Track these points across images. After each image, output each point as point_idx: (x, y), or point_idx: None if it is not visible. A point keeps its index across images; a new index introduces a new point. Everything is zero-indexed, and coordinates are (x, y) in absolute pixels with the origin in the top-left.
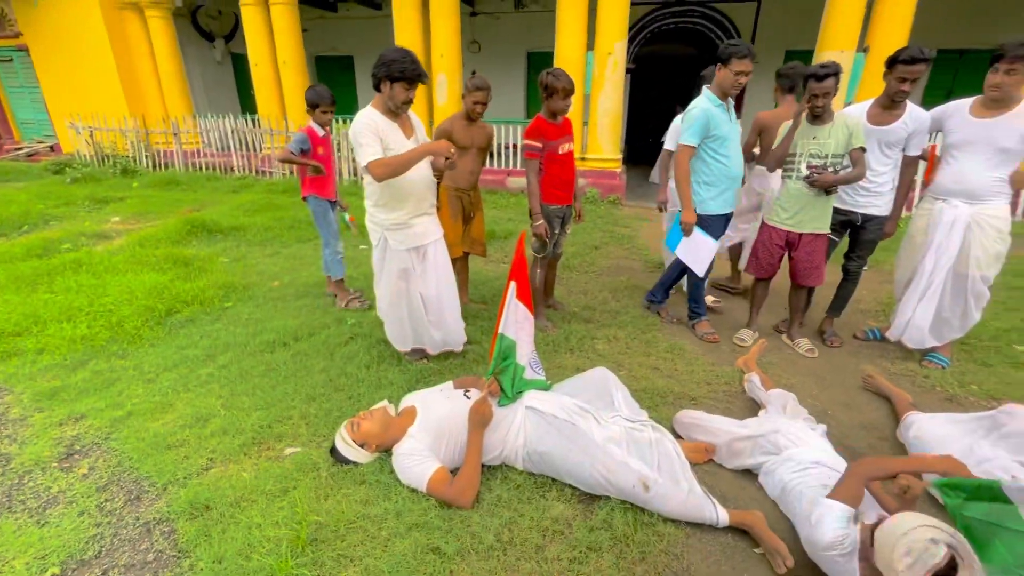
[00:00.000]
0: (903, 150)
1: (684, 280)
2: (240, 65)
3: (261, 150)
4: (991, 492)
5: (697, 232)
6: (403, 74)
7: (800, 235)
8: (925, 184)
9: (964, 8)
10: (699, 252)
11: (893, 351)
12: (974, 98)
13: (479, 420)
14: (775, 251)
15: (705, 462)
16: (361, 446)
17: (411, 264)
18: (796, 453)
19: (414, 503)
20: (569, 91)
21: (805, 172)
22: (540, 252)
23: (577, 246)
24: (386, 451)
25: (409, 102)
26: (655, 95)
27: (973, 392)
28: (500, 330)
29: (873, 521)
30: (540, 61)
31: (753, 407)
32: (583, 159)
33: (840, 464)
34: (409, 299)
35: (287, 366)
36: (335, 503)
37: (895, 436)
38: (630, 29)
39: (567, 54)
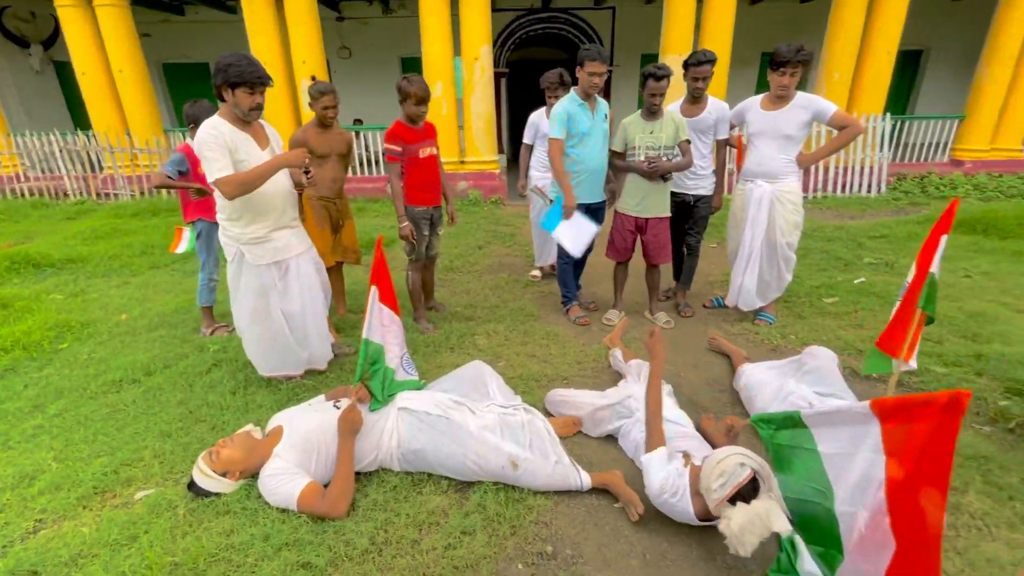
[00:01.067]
0: (714, 136)
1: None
2: (67, 74)
3: (102, 170)
4: (793, 420)
5: (578, 215)
6: (241, 78)
7: (647, 220)
8: (737, 169)
9: (774, 18)
10: (579, 235)
11: (733, 315)
12: (763, 95)
13: (348, 428)
14: (627, 236)
15: (574, 434)
16: (223, 475)
17: (271, 280)
18: (643, 414)
19: (283, 523)
20: (422, 97)
21: (644, 161)
22: (411, 255)
23: (461, 247)
24: (253, 476)
25: (258, 108)
26: (529, 98)
27: (791, 341)
28: (364, 335)
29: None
30: (414, 66)
31: (618, 379)
32: (463, 162)
33: (681, 417)
34: (269, 318)
35: (136, 405)
36: (194, 539)
37: (733, 388)
38: (500, 34)
39: (434, 59)
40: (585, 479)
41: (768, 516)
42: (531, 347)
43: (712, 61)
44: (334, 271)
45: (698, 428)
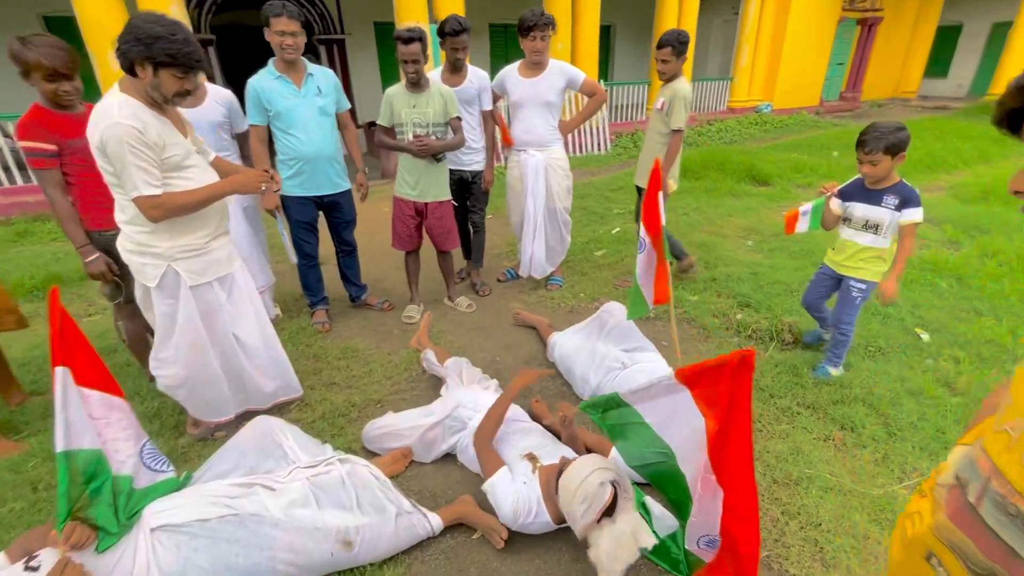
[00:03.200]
0: (480, 107)
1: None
2: None
3: None
4: (616, 401)
5: (280, 217)
6: (174, 59)
7: (426, 204)
8: (506, 145)
9: None
10: (286, 237)
11: (527, 284)
12: (519, 62)
13: None
14: (409, 222)
15: (407, 467)
16: None
17: (217, 300)
18: (477, 421)
19: None
20: (55, 69)
21: (412, 139)
22: (115, 298)
23: None
24: None
25: (185, 95)
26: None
27: (582, 299)
28: (59, 447)
29: (552, 462)
30: (63, 29)
31: (438, 384)
32: None
33: (515, 411)
34: (221, 347)
35: None
36: None
37: (548, 360)
38: None
39: (96, 18)
40: (435, 521)
41: (635, 535)
42: (328, 374)
43: (467, 30)
44: None
45: (530, 413)
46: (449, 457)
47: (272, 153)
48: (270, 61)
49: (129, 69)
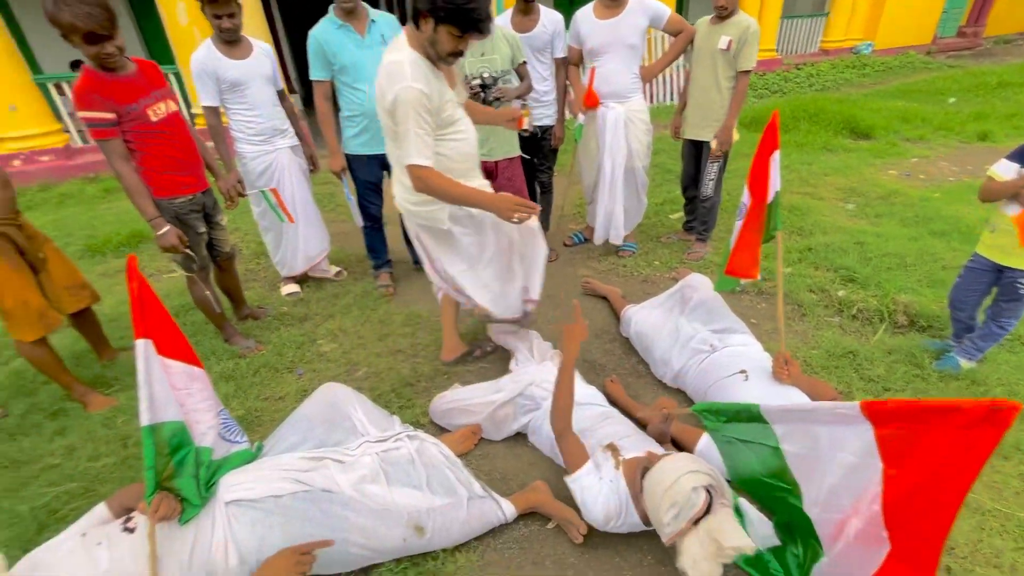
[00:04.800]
0: (552, 54)
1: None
2: None
3: None
4: (749, 414)
5: (346, 179)
6: (455, 17)
7: (496, 163)
8: (588, 108)
9: None
10: (352, 200)
11: (596, 250)
12: (592, 2)
13: None
14: None
15: (476, 445)
16: None
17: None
18: (547, 404)
19: None
20: (91, 31)
21: (478, 82)
22: (191, 269)
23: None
24: None
25: (458, 55)
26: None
27: (658, 268)
28: (145, 421)
29: (635, 454)
30: None
31: (507, 356)
32: None
33: (592, 395)
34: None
35: None
36: None
37: (622, 335)
38: None
39: None
40: (508, 509)
41: (722, 533)
42: (393, 341)
43: None
44: (79, 321)
45: (606, 396)
46: (520, 436)
47: (336, 110)
48: (331, 8)
49: (415, 18)
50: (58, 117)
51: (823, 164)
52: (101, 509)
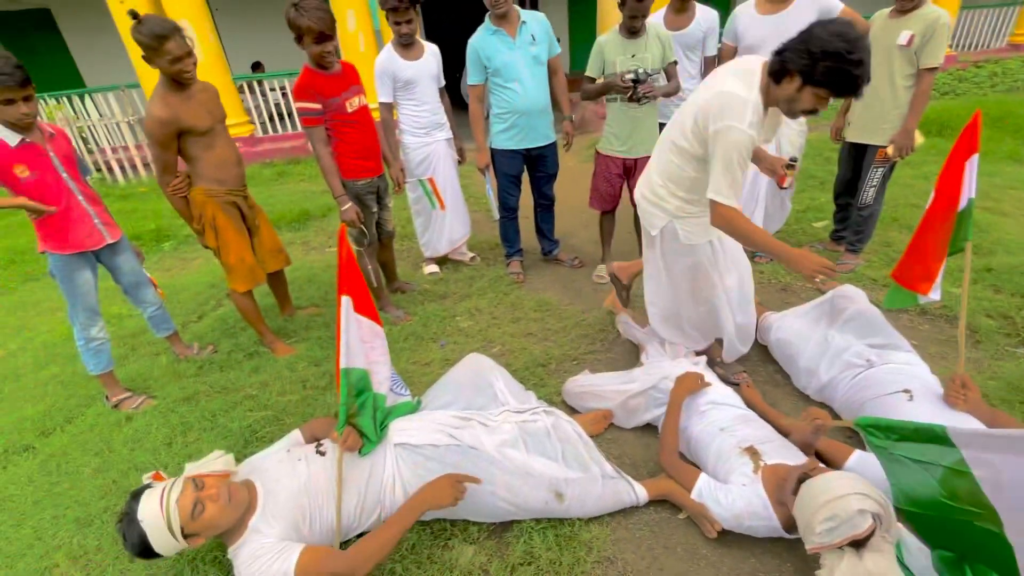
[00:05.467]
0: (703, 52)
1: None
2: None
3: None
4: (931, 435)
5: (488, 176)
6: (834, 83)
7: (636, 160)
8: None
9: None
10: (492, 193)
11: None
12: None
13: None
14: (615, 181)
15: (606, 429)
16: (190, 537)
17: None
18: (688, 400)
19: None
20: (322, 31)
21: (632, 76)
22: (361, 243)
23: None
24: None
25: (812, 113)
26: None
27: (797, 277)
28: (343, 364)
29: (790, 463)
30: None
31: (635, 348)
32: None
33: (731, 396)
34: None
35: (35, 484)
36: None
37: (759, 342)
38: None
39: None
40: (641, 493)
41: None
42: (525, 324)
43: None
44: (273, 279)
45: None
46: (650, 427)
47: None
48: (487, 16)
49: (778, 74)
50: (246, 111)
51: (1009, 176)
52: (296, 434)
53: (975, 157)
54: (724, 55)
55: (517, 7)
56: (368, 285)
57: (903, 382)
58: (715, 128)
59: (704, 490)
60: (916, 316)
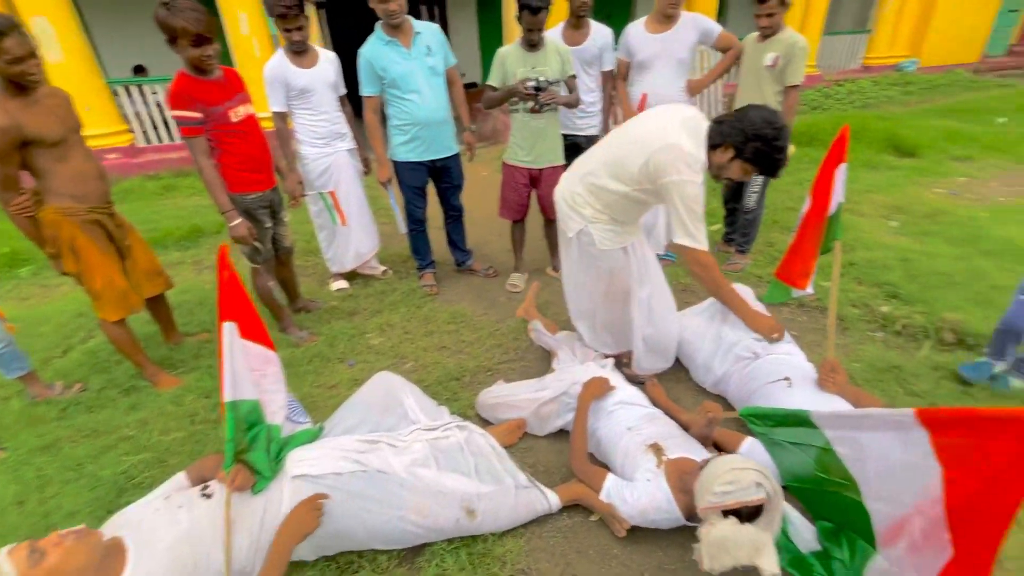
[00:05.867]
0: (600, 67)
1: None
2: None
3: None
4: (798, 419)
5: (391, 189)
6: (762, 164)
7: (541, 170)
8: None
9: None
10: (397, 210)
11: None
12: (645, 17)
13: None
14: (522, 190)
15: (520, 439)
16: None
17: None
18: (596, 403)
19: None
20: (199, 33)
21: (529, 103)
22: (256, 259)
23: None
24: None
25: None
26: (357, 32)
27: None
28: (227, 397)
29: (680, 455)
30: None
31: (548, 355)
32: None
33: (637, 395)
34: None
35: None
36: None
37: None
38: None
39: None
40: (553, 499)
41: (759, 550)
42: (438, 337)
43: None
44: (153, 305)
45: (649, 398)
46: (563, 433)
47: (383, 119)
48: (377, 26)
49: (714, 144)
50: (124, 118)
51: (865, 181)
52: (181, 477)
53: (843, 166)
54: (620, 69)
55: (410, 18)
56: (269, 306)
57: (784, 371)
58: (671, 180)
59: (612, 490)
60: (795, 309)
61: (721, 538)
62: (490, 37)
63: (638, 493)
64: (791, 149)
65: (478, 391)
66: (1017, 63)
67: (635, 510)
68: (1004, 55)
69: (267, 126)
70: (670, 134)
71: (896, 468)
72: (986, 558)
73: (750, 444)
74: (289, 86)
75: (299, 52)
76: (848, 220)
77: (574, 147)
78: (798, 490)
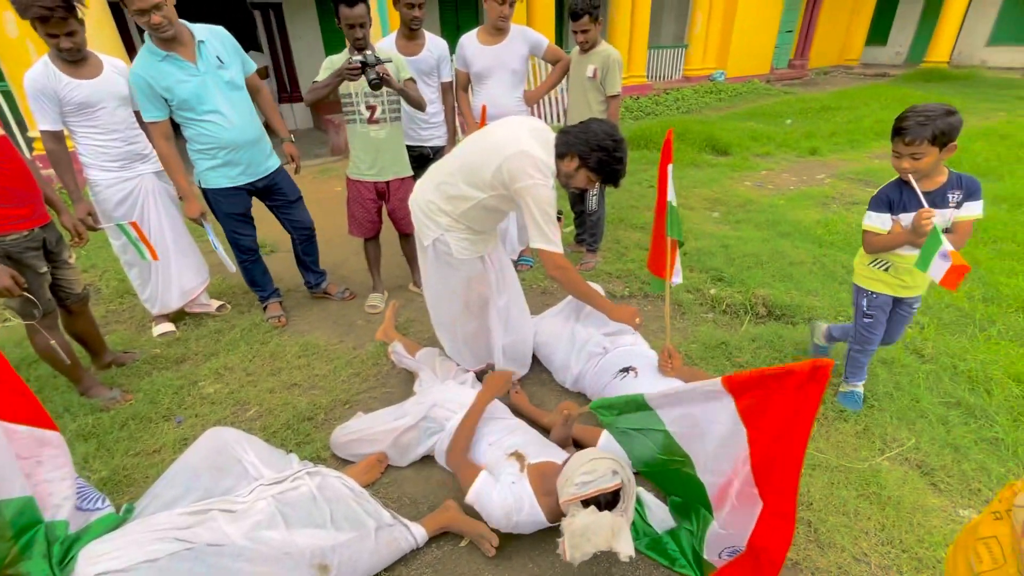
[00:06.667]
0: (439, 78)
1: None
2: None
3: None
4: (636, 403)
5: (208, 226)
6: (601, 171)
7: (387, 183)
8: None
9: None
10: (219, 248)
11: None
12: (477, 29)
13: None
14: (370, 206)
15: (383, 474)
16: None
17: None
18: (455, 422)
19: None
20: None
21: (366, 113)
22: (30, 315)
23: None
24: None
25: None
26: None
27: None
28: None
29: (541, 459)
30: None
31: (411, 377)
32: None
33: (497, 410)
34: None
35: None
36: None
37: None
38: None
39: None
40: (418, 533)
41: (616, 534)
42: (287, 374)
43: None
44: None
45: (511, 407)
46: (428, 459)
47: (178, 135)
48: (146, 37)
49: (561, 153)
50: None
51: (691, 178)
52: None
53: (670, 166)
54: (460, 80)
55: (186, 24)
56: (58, 368)
57: (629, 361)
58: (523, 185)
59: (482, 489)
60: (642, 300)
61: (583, 527)
62: (334, 43)
63: (504, 493)
64: None
65: (333, 429)
66: (796, 74)
67: (501, 512)
68: (786, 68)
69: (40, 149)
70: (521, 141)
71: (716, 438)
72: (789, 502)
73: (606, 437)
74: (62, 100)
75: (74, 61)
76: (680, 214)
77: (421, 158)
78: (649, 473)
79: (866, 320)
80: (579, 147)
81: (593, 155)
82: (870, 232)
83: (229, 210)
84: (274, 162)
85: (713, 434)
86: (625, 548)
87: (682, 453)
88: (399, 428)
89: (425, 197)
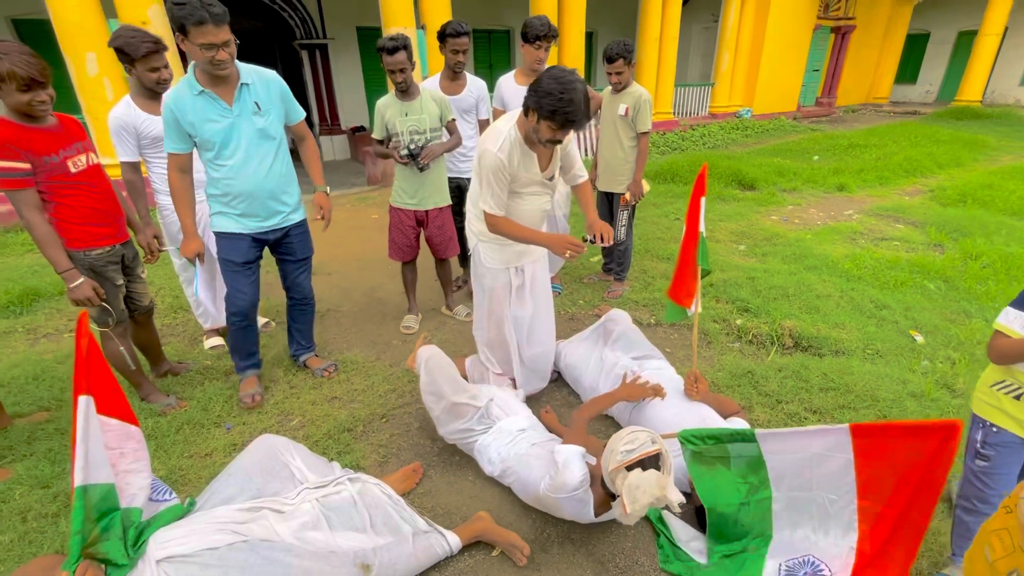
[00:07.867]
0: (477, 116)
1: None
2: None
3: None
4: (743, 436)
5: (198, 268)
6: (553, 116)
7: (427, 212)
8: None
9: None
10: (200, 290)
11: None
12: (515, 70)
13: None
14: (409, 232)
15: (418, 483)
16: None
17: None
18: (505, 424)
19: None
20: (31, 77)
21: (406, 152)
22: (106, 323)
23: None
24: None
25: (556, 143)
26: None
27: (582, 307)
28: (78, 481)
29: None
30: (35, 32)
31: None
32: None
33: (536, 425)
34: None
35: None
36: None
37: (554, 368)
38: None
39: (74, 20)
40: (453, 541)
41: (664, 487)
42: (328, 387)
43: (468, 33)
44: None
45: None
46: (460, 472)
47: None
48: (190, 69)
49: (525, 110)
50: None
51: (718, 211)
52: None
53: (703, 199)
54: (496, 118)
55: (239, 64)
56: (124, 373)
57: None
58: (476, 155)
59: (575, 455)
60: (669, 329)
61: (636, 483)
62: (375, 81)
63: (584, 469)
64: (646, 186)
65: (372, 441)
66: (823, 111)
67: (578, 476)
68: (814, 105)
69: (115, 175)
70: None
71: (811, 461)
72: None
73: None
74: (140, 134)
75: (152, 98)
76: (708, 246)
77: (458, 190)
78: (714, 513)
79: (980, 463)
80: (532, 100)
81: (543, 103)
82: (1001, 333)
83: (226, 254)
84: (296, 216)
85: (810, 456)
86: (674, 496)
87: (764, 475)
88: (458, 400)
89: (470, 213)
